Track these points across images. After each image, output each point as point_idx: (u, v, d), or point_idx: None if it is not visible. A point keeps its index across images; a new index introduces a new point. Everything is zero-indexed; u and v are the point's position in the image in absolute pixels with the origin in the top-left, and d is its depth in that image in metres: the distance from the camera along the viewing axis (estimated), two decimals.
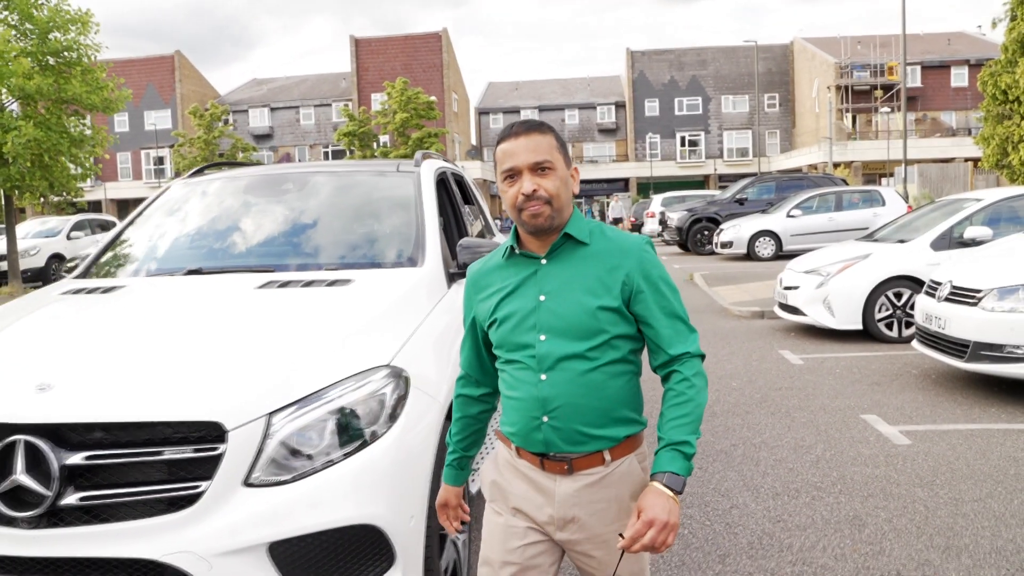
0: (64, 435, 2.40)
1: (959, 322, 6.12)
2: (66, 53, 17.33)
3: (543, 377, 1.94)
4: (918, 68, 52.49)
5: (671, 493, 1.83)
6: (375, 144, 41.22)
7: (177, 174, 46.44)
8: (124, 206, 57.82)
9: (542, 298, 1.96)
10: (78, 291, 3.56)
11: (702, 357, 1.98)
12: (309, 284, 3.32)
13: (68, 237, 21.07)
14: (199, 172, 4.89)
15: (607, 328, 1.93)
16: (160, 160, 58.11)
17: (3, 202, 18.79)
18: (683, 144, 60.67)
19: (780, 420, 5.80)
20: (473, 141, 63.05)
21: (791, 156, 53.88)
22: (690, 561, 3.62)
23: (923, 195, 29.74)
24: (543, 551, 2.01)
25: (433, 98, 42.71)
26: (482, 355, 2.15)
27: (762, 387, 6.82)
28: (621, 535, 1.85)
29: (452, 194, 4.89)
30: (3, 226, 19.81)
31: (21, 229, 20.39)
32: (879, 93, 51.51)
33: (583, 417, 1.93)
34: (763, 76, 57.63)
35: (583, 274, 1.96)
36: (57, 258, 20.44)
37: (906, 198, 21.04)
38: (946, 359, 6.28)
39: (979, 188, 27.59)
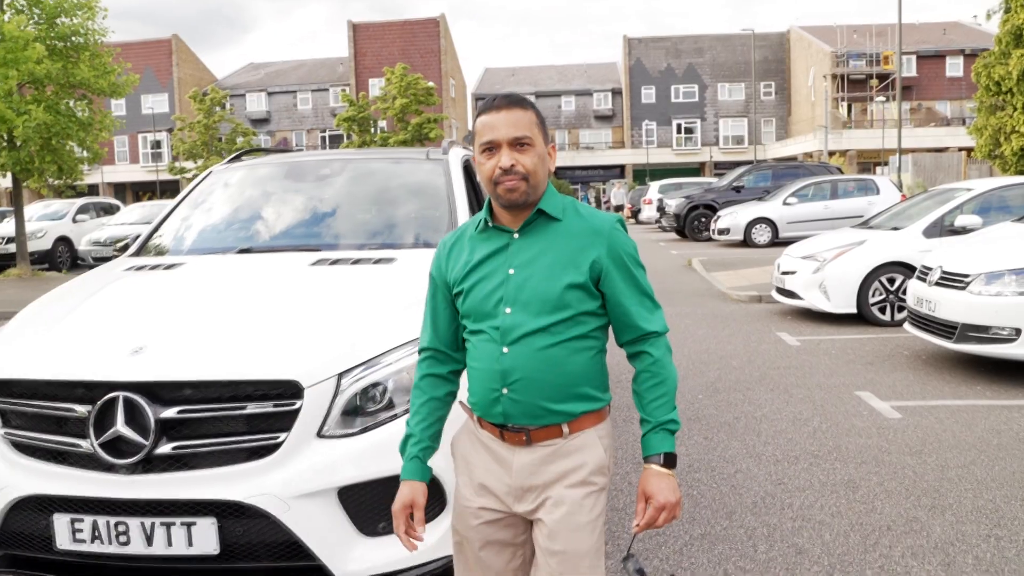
0: (157, 392, 2.73)
1: (948, 305, 6.48)
2: (74, 38, 17.54)
3: (505, 350, 1.96)
4: (913, 58, 52.79)
5: (669, 471, 1.95)
6: (373, 129, 41.37)
7: (175, 158, 46.54)
8: (121, 190, 57.94)
9: (511, 271, 1.98)
10: (141, 267, 3.87)
11: (666, 332, 2.05)
12: (357, 262, 3.65)
13: (74, 220, 21.31)
14: (237, 158, 5.20)
15: (573, 304, 1.95)
16: (157, 144, 58.11)
17: (11, 185, 19.03)
18: (679, 131, 60.92)
19: (779, 396, 6.16)
20: (470, 126, 63.09)
21: (787, 144, 54.20)
22: (699, 517, 3.97)
23: (917, 184, 30.09)
24: (502, 527, 2.06)
25: (432, 84, 42.89)
26: (451, 327, 2.14)
27: (761, 366, 7.17)
28: (636, 524, 1.96)
29: (474, 177, 5.22)
30: (11, 208, 20.04)
31: (27, 212, 20.63)
32: (875, 82, 51.81)
33: (542, 392, 1.95)
34: (759, 64, 57.84)
35: (554, 250, 1.98)
36: (63, 241, 20.70)
37: (900, 187, 21.40)
38: (936, 340, 6.65)
39: (972, 178, 27.95)
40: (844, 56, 52.90)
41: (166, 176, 50.82)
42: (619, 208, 30.41)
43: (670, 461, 1.97)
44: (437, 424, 2.14)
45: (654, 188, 31.37)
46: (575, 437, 1.99)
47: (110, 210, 23.14)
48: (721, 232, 20.22)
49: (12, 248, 18.90)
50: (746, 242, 19.45)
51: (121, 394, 2.70)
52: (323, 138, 58.32)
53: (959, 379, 6.47)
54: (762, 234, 19.44)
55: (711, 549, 3.63)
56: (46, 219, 21.23)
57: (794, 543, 3.66)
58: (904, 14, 26.78)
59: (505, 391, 1.97)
